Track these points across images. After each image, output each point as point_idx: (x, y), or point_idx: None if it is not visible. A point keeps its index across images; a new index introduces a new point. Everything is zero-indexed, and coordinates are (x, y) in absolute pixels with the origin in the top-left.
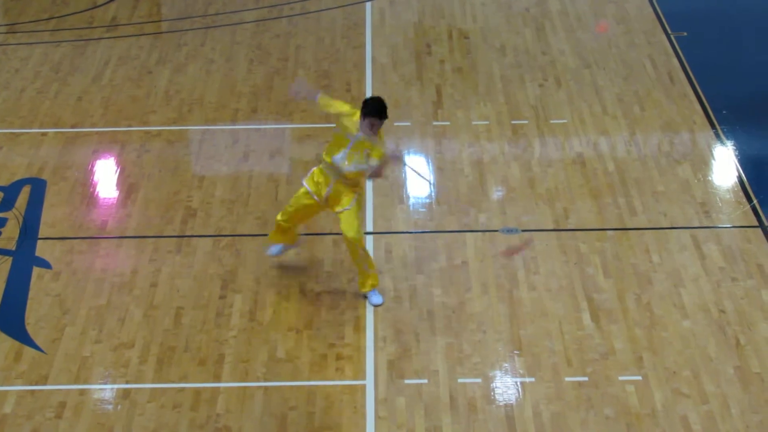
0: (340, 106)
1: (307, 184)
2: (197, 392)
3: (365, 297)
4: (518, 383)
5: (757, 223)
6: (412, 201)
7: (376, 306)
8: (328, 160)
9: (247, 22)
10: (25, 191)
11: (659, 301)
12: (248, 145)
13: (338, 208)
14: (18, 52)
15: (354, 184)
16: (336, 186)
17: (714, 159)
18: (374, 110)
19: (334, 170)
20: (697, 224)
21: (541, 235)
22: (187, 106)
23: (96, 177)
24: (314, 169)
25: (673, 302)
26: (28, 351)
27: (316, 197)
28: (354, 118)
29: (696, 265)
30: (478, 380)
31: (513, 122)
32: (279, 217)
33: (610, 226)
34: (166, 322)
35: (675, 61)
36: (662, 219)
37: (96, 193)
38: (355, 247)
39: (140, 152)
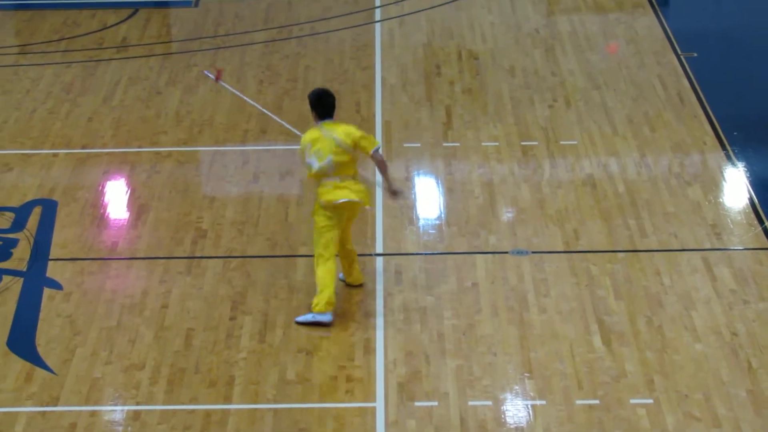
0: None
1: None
2: (207, 414)
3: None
4: (529, 406)
5: None
6: (422, 222)
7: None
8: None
9: (257, 43)
10: (36, 212)
11: (670, 324)
12: (258, 166)
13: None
14: (29, 72)
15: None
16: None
17: (725, 180)
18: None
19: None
20: (708, 246)
21: (552, 257)
22: (197, 127)
23: (106, 198)
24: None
25: (684, 325)
26: (39, 372)
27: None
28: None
29: (707, 288)
30: (489, 403)
31: (523, 143)
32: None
33: (620, 248)
34: (177, 344)
35: (685, 81)
36: (673, 241)
37: (106, 214)
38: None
39: (150, 173)
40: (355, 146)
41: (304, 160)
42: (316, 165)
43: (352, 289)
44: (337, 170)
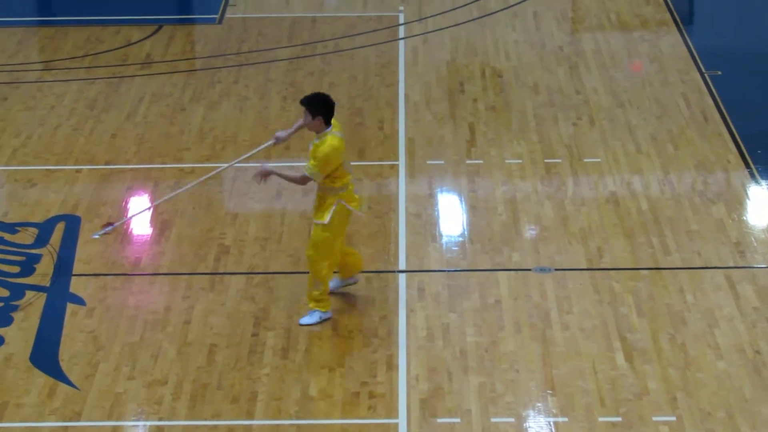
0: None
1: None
2: (230, 429)
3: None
4: (551, 423)
5: None
6: (445, 239)
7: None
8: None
9: (281, 60)
10: (60, 228)
11: (693, 342)
12: (281, 182)
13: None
14: (53, 89)
15: (324, 192)
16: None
17: (748, 198)
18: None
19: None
20: (731, 264)
21: (575, 275)
22: (221, 144)
23: (130, 214)
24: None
25: (707, 342)
26: (62, 387)
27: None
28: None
29: (730, 305)
30: (511, 420)
31: (546, 161)
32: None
33: (643, 266)
34: (199, 360)
35: (709, 99)
36: (696, 258)
37: (130, 230)
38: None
39: (174, 189)
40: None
41: (340, 166)
42: (349, 169)
43: (374, 305)
44: None
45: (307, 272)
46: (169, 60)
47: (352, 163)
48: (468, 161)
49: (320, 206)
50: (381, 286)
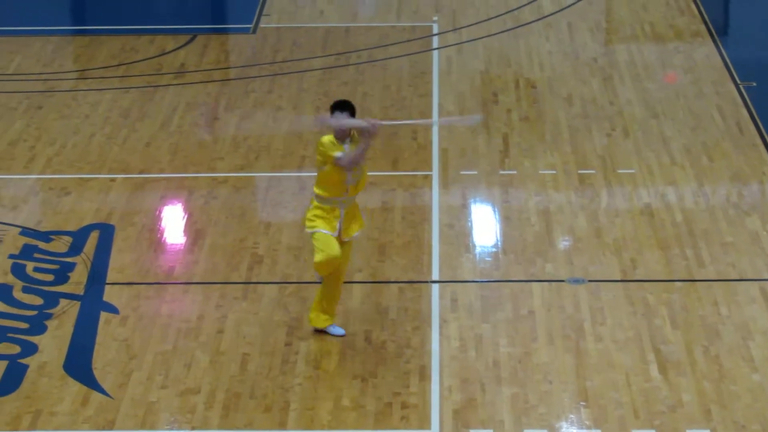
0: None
1: (321, 229)
2: None
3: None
4: None
5: None
6: (478, 250)
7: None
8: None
9: (315, 70)
10: (94, 236)
11: (728, 354)
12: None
13: (347, 237)
14: (88, 98)
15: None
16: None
17: None
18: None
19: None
20: (766, 276)
21: (608, 286)
22: (255, 153)
23: (163, 223)
24: (309, 212)
25: (741, 355)
26: (95, 396)
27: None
28: (332, 144)
29: (765, 318)
30: (545, 431)
31: (580, 172)
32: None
33: (677, 278)
34: (232, 369)
35: (744, 111)
36: (731, 271)
37: (163, 238)
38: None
39: (207, 198)
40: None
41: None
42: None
43: (407, 316)
44: None
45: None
46: (203, 69)
47: (387, 174)
48: (501, 172)
49: (356, 216)
50: (414, 296)
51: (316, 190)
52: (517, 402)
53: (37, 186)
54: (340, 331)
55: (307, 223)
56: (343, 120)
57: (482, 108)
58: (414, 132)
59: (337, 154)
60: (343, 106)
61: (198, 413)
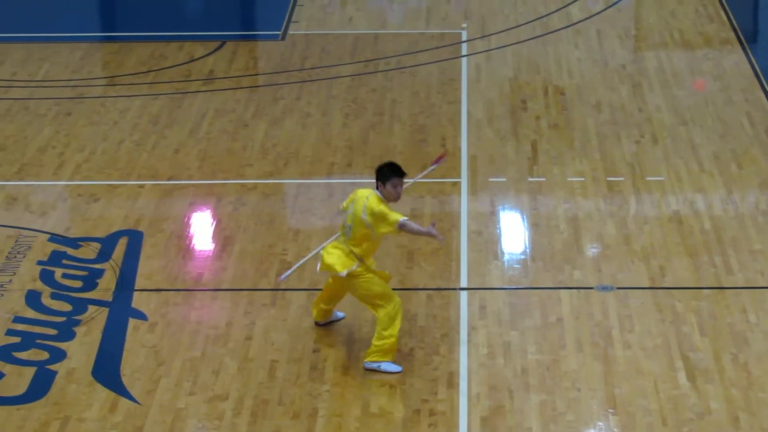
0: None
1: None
2: None
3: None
4: None
5: None
6: (506, 257)
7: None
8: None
9: (343, 77)
10: (122, 243)
11: (756, 362)
12: (343, 199)
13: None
14: (117, 104)
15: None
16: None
17: None
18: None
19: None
20: None
21: (637, 293)
22: (283, 160)
23: (192, 229)
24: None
25: None
26: (124, 402)
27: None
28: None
29: None
30: None
31: (609, 179)
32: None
33: (706, 285)
34: (261, 375)
35: None
36: (759, 278)
37: (192, 245)
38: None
39: (236, 205)
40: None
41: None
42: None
43: (436, 323)
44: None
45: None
46: (232, 76)
47: (416, 180)
48: (530, 179)
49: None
50: (442, 303)
51: (360, 252)
52: (546, 409)
53: (65, 192)
54: (340, 314)
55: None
56: (415, 227)
57: (511, 115)
58: (442, 139)
59: (401, 219)
60: (400, 171)
61: (226, 420)
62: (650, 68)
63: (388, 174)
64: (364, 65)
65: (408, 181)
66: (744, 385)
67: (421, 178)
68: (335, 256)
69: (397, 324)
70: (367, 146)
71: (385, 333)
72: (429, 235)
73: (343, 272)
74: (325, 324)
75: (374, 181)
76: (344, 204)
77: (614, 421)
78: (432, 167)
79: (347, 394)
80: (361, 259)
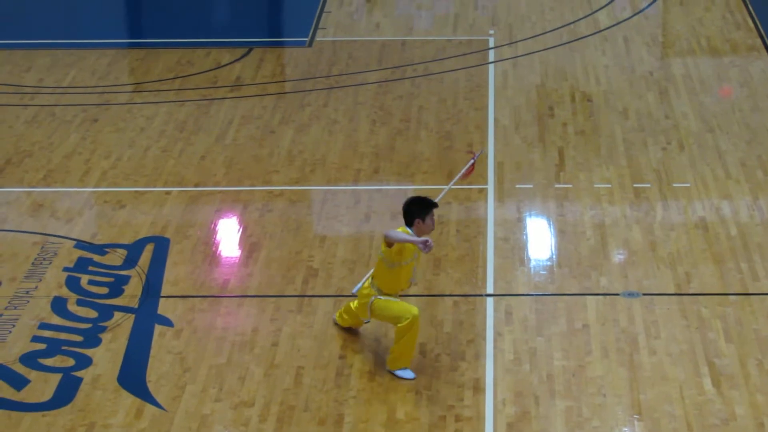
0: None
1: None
2: None
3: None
4: None
5: None
6: (533, 263)
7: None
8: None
9: (370, 83)
10: (149, 249)
11: None
12: (370, 205)
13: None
14: (143, 111)
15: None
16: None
17: None
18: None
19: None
20: None
21: (663, 299)
22: (310, 166)
23: (218, 236)
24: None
25: None
26: (149, 408)
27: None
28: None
29: None
30: None
31: (635, 185)
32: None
33: (732, 291)
34: (287, 382)
35: None
36: None
37: (218, 252)
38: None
39: (262, 212)
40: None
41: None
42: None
43: (462, 329)
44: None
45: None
46: (258, 82)
47: (442, 187)
48: (557, 185)
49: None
50: (468, 309)
51: (380, 285)
52: (571, 415)
53: (92, 199)
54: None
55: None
56: (401, 236)
57: (538, 122)
58: (469, 145)
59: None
60: (433, 203)
61: (252, 426)
62: (677, 75)
63: (425, 209)
64: (391, 72)
65: (444, 187)
66: None
67: (453, 185)
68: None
69: (414, 333)
70: (394, 153)
71: (401, 342)
72: (414, 243)
73: (367, 320)
74: (347, 329)
75: (399, 187)
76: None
77: (639, 427)
78: (469, 164)
79: (373, 401)
80: (379, 291)
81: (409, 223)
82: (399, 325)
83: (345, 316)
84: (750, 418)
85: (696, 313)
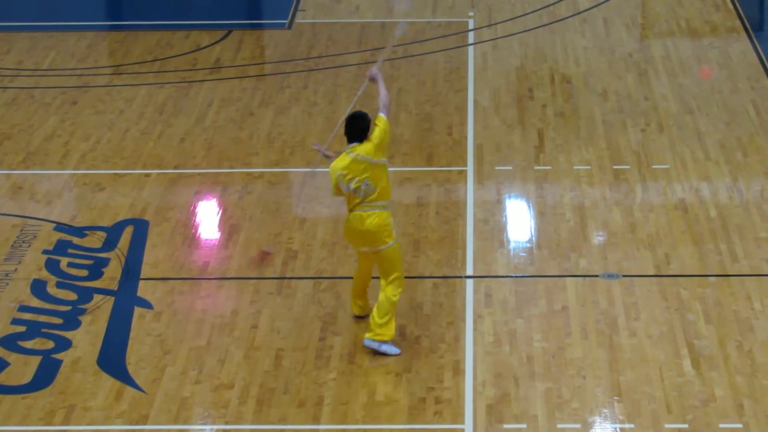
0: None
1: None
2: None
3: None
4: (618, 429)
5: None
6: (512, 245)
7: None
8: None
9: (350, 65)
10: (128, 232)
11: (761, 349)
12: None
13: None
14: (123, 93)
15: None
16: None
17: None
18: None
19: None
20: None
21: (642, 281)
22: (290, 149)
23: (198, 218)
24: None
25: None
26: (129, 391)
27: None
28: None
29: None
30: (578, 426)
31: (615, 167)
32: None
33: (711, 273)
34: (266, 364)
35: None
36: (764, 266)
37: (198, 234)
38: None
39: (242, 194)
40: (376, 149)
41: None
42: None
43: (441, 311)
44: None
45: (374, 277)
46: (238, 65)
47: (421, 169)
48: (536, 167)
49: (383, 229)
50: (448, 291)
51: (387, 197)
52: (551, 397)
53: (71, 181)
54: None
55: (393, 235)
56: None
57: (517, 103)
58: (449, 127)
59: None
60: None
61: (232, 408)
62: (657, 56)
63: (367, 123)
64: (370, 54)
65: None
66: (748, 372)
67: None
68: (376, 224)
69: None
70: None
71: (391, 311)
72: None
73: (390, 242)
74: (365, 316)
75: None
76: (333, 188)
77: (619, 409)
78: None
79: (353, 382)
80: (396, 228)
81: (366, 136)
82: (394, 298)
83: (358, 302)
84: (729, 399)
85: (675, 294)
